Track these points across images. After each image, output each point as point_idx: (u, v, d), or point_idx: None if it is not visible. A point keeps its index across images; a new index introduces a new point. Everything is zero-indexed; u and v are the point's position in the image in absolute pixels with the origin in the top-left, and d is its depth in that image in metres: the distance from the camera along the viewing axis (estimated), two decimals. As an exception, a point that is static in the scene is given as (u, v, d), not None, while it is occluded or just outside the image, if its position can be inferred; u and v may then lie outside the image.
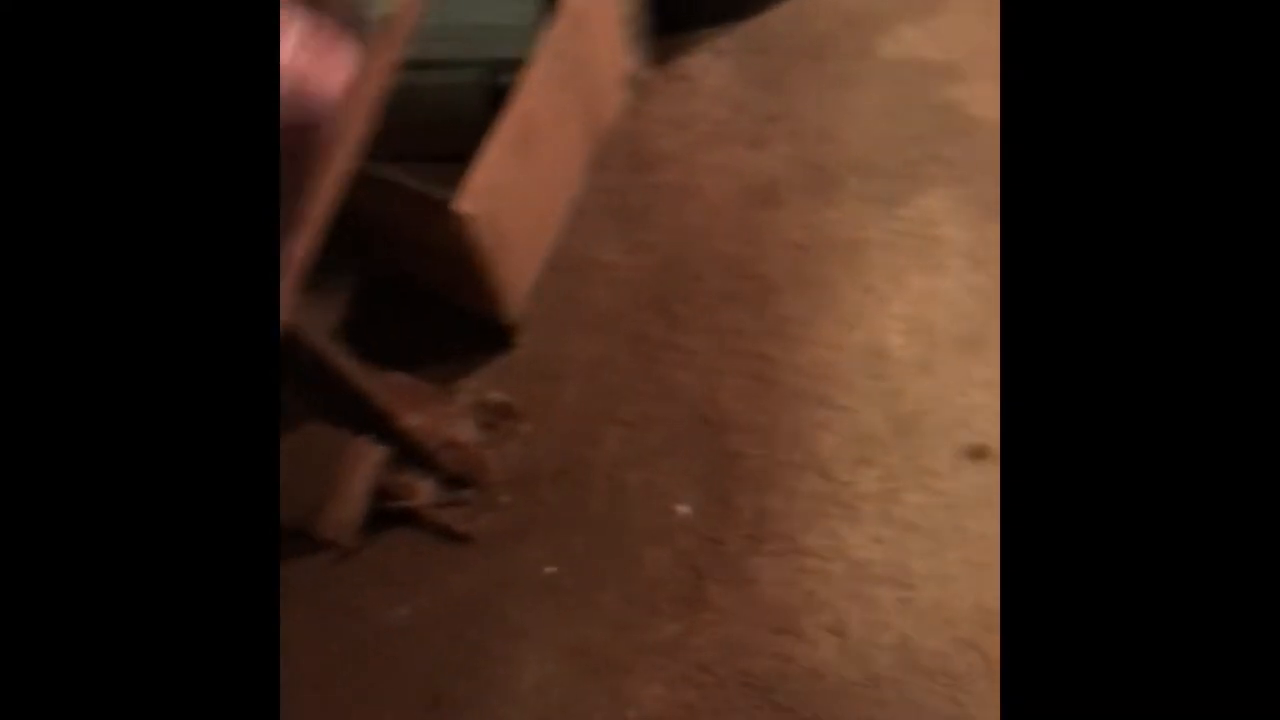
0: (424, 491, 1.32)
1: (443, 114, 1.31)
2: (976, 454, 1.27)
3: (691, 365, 1.38)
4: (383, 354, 1.24)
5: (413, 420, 1.30)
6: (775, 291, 1.40)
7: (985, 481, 1.25)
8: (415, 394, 1.32)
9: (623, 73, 1.39)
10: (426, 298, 1.39)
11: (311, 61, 0.51)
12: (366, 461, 1.17)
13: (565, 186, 1.39)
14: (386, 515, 1.30)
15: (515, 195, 1.22)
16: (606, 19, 1.25)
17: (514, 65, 1.20)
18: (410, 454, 1.31)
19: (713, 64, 1.54)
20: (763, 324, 1.39)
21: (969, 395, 1.31)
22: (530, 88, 1.15)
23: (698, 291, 1.42)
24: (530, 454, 1.36)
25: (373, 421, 1.22)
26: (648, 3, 1.39)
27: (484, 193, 1.13)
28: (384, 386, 1.22)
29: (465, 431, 1.35)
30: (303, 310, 0.92)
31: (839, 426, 1.32)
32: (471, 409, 1.37)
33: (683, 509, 1.31)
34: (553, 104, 1.21)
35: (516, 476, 1.35)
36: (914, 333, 1.35)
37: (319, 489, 1.14)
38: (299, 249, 0.63)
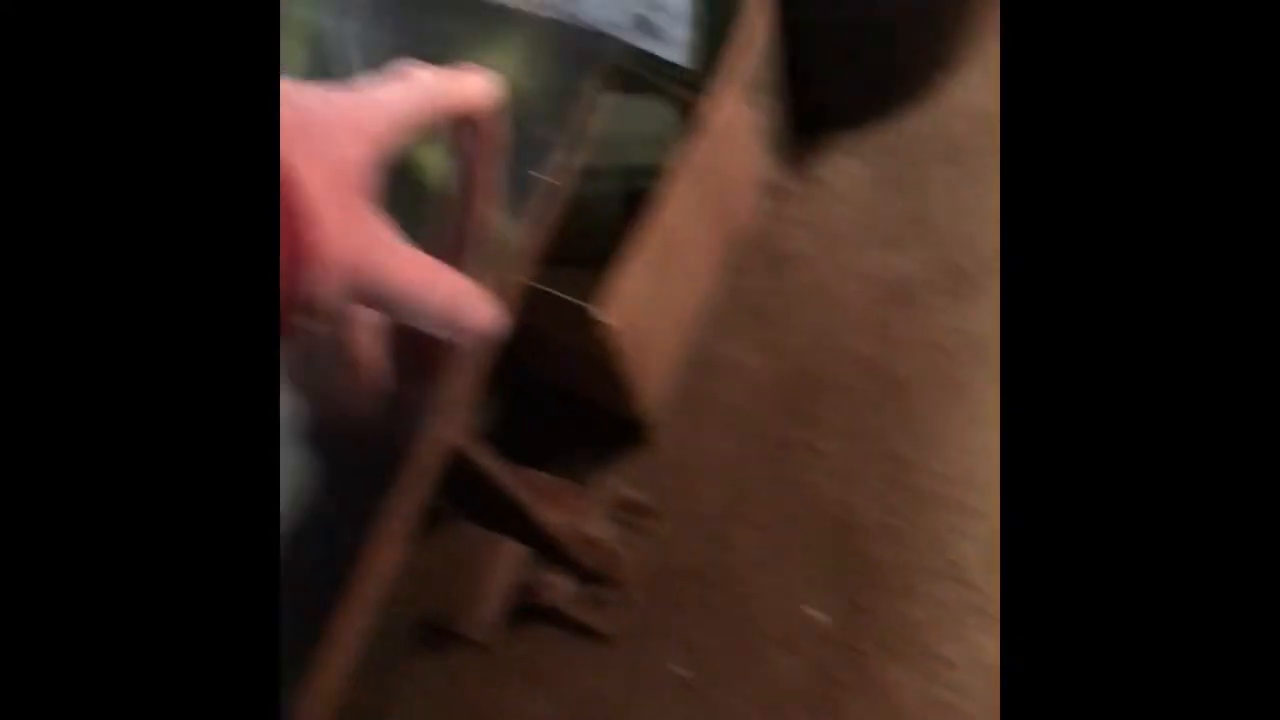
0: (563, 589, 1.34)
1: (581, 220, 1.36)
2: (1125, 566, 1.22)
3: (826, 468, 1.38)
4: (522, 451, 1.28)
5: (552, 517, 1.33)
6: (912, 393, 1.39)
7: (1135, 596, 1.21)
8: (554, 491, 1.35)
9: (759, 178, 1.42)
10: (563, 395, 1.44)
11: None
12: (508, 559, 1.20)
13: (702, 289, 1.42)
14: (526, 611, 1.33)
15: (654, 302, 1.25)
16: (744, 128, 1.29)
17: (651, 171, 1.24)
18: (549, 551, 1.34)
19: (847, 167, 1.56)
20: (899, 426, 1.38)
21: (1117, 504, 1.26)
22: (670, 200, 1.19)
23: (833, 393, 1.42)
24: (666, 553, 1.38)
25: (514, 518, 1.26)
26: (784, 109, 1.43)
27: (625, 302, 1.17)
28: (525, 484, 1.25)
29: (602, 529, 1.37)
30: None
31: (978, 532, 1.29)
32: (608, 506, 1.40)
33: (817, 614, 1.30)
34: (691, 213, 1.24)
35: (652, 575, 1.36)
36: (1057, 438, 1.32)
37: (461, 586, 1.18)
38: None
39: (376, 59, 0.64)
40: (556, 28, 0.79)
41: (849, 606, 1.29)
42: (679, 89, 1.30)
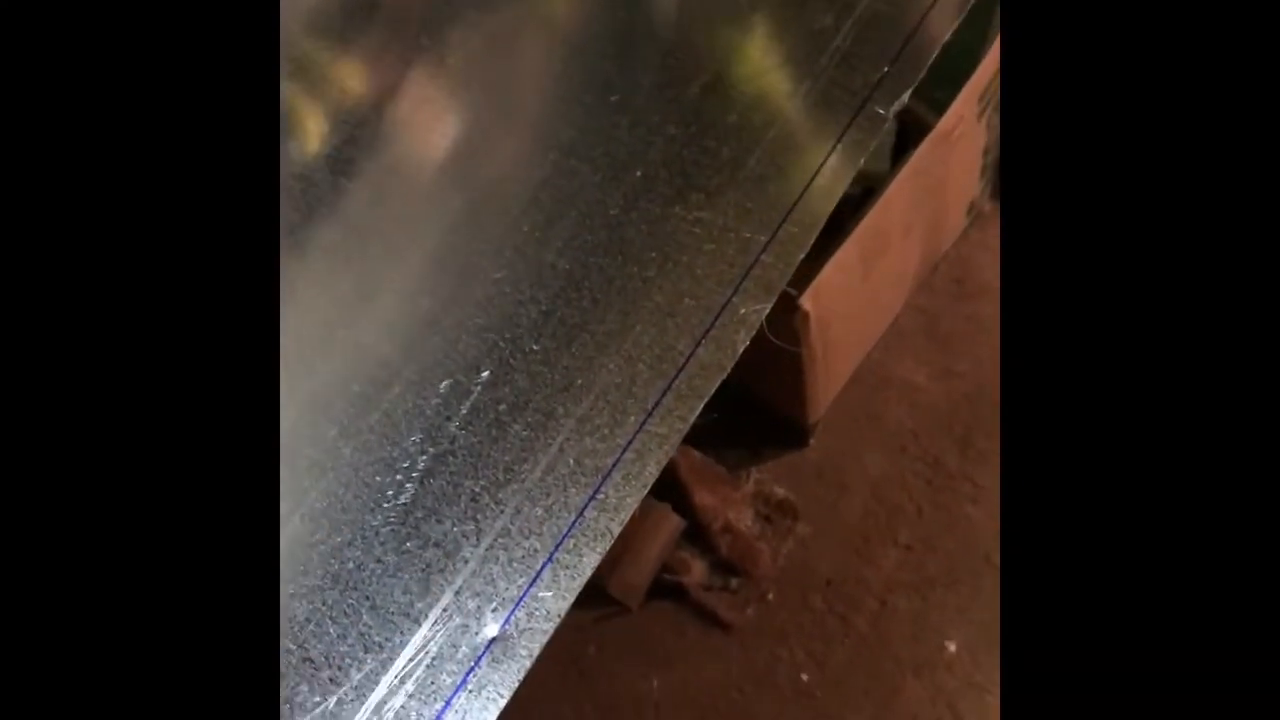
0: (697, 570, 1.33)
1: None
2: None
3: (983, 501, 1.35)
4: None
5: (703, 498, 1.32)
6: (1084, 444, 1.36)
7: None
8: (707, 472, 1.34)
9: (970, 200, 1.39)
10: (731, 380, 1.42)
11: None
12: (666, 529, 1.20)
13: (891, 303, 1.40)
14: (656, 587, 1.33)
15: (851, 303, 1.24)
16: (969, 145, 1.27)
17: (870, 175, 1.23)
18: (691, 531, 1.33)
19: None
20: (1066, 475, 1.34)
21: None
22: (889, 202, 1.17)
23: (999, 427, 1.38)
24: (804, 557, 1.36)
25: (668, 491, 1.25)
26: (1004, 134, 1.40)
27: (827, 294, 1.15)
28: (686, 459, 1.25)
29: (744, 520, 1.36)
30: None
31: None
32: (753, 499, 1.39)
33: (951, 646, 1.27)
34: (901, 221, 1.23)
35: (786, 576, 1.35)
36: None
37: (621, 544, 1.17)
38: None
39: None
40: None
41: (986, 644, 1.26)
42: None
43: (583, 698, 1.31)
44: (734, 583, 1.34)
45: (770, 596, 1.34)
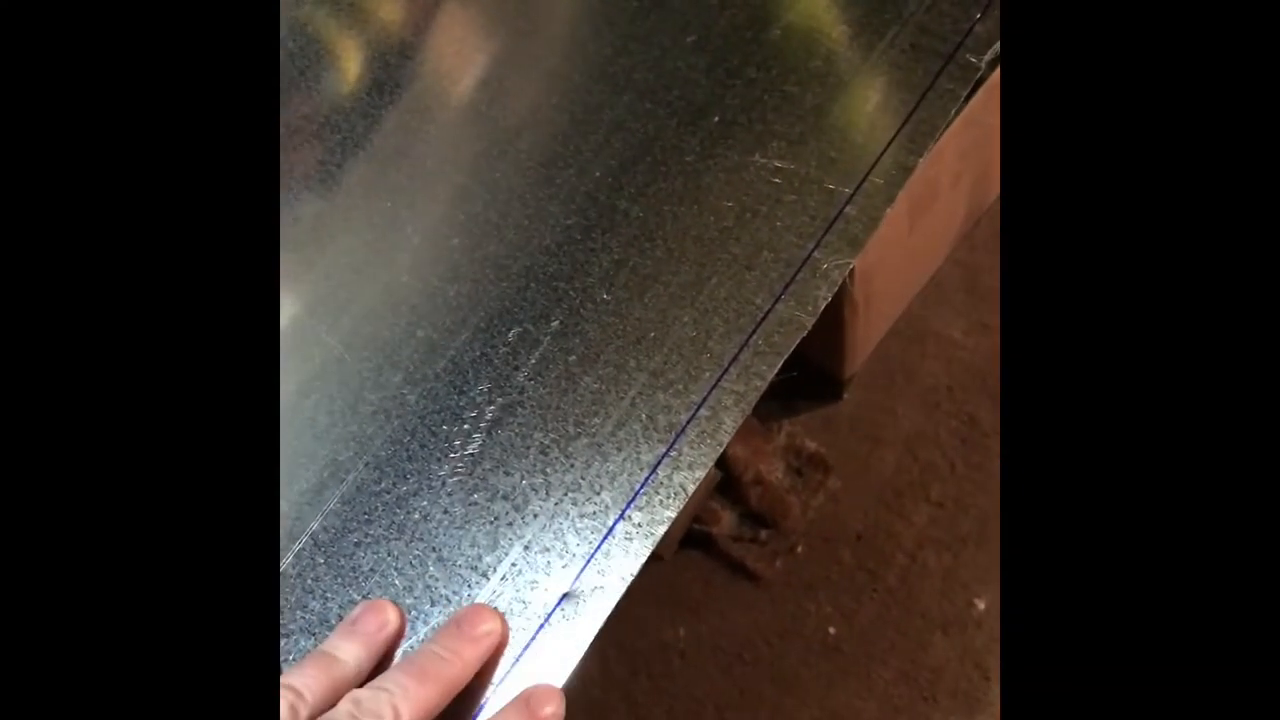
0: (726, 521, 1.33)
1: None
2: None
3: (1017, 461, 1.33)
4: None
5: (734, 449, 1.31)
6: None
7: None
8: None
9: (1017, 155, 1.36)
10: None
11: None
12: (703, 481, 1.18)
13: (934, 256, 1.38)
14: (686, 536, 1.32)
15: (895, 255, 1.21)
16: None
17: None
18: (721, 482, 1.32)
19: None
20: (1102, 436, 1.33)
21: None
22: (940, 152, 1.14)
23: (1038, 388, 1.37)
24: (835, 511, 1.35)
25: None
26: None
27: (873, 246, 1.13)
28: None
29: (775, 472, 1.35)
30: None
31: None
32: (785, 451, 1.38)
33: (981, 604, 1.27)
34: (954, 171, 1.20)
35: (816, 529, 1.34)
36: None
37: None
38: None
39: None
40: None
41: (1016, 605, 1.26)
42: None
43: (608, 644, 1.31)
44: (763, 534, 1.34)
45: (799, 549, 1.33)
